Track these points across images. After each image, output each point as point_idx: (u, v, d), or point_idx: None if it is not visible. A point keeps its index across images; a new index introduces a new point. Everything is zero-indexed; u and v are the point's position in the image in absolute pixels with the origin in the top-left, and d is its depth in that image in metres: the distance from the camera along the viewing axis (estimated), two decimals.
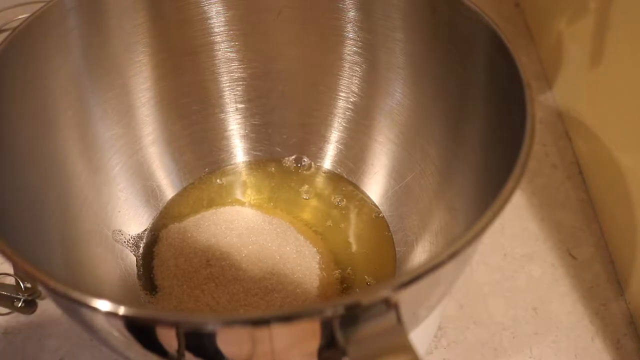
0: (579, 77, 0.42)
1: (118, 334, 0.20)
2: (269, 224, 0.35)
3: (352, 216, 0.36)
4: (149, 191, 0.35)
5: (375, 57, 0.34)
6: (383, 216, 0.35)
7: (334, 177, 0.37)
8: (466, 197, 0.29)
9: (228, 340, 0.19)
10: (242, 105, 0.37)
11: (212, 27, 0.34)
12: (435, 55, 0.31)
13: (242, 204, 0.37)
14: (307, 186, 0.37)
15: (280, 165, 0.38)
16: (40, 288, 0.33)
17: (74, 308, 0.20)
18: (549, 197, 0.40)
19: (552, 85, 0.47)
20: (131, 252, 0.33)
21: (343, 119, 0.37)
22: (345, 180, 0.37)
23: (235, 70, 0.36)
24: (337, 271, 0.33)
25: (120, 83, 0.33)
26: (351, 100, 0.36)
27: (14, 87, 0.27)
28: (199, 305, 0.31)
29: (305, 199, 0.37)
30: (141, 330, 0.20)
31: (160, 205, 0.36)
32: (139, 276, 0.33)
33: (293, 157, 0.38)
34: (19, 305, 0.33)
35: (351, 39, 0.34)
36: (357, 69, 0.35)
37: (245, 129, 0.38)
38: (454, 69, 0.30)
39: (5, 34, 0.26)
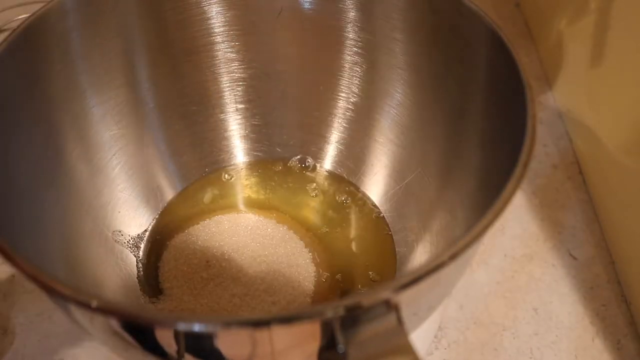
0: (579, 77, 0.42)
1: (118, 335, 0.20)
2: (269, 227, 0.35)
3: (353, 217, 0.36)
4: (149, 192, 0.35)
5: (375, 57, 0.34)
6: (383, 216, 0.35)
7: (334, 178, 0.37)
8: (467, 198, 0.29)
9: (228, 342, 0.19)
10: (242, 106, 0.37)
11: (212, 27, 0.34)
12: (435, 56, 0.31)
13: (242, 204, 0.37)
14: (308, 187, 0.37)
15: (282, 166, 0.38)
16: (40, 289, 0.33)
17: (74, 309, 0.20)
18: (550, 197, 0.40)
19: (552, 85, 0.47)
20: (131, 252, 0.33)
21: (343, 119, 0.37)
22: (346, 180, 0.37)
23: (236, 70, 0.36)
24: (338, 272, 0.33)
25: (120, 83, 0.33)
26: (351, 100, 0.36)
27: (13, 88, 0.27)
28: (199, 306, 0.31)
29: (307, 200, 0.37)
30: (141, 331, 0.20)
31: (161, 205, 0.36)
32: (138, 277, 0.33)
33: (297, 157, 0.38)
34: None
35: (351, 39, 0.34)
36: (357, 69, 0.35)
37: (246, 130, 0.38)
38: (454, 69, 0.30)
39: (5, 34, 0.26)
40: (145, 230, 0.35)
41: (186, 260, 0.33)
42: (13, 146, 0.26)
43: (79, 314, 0.20)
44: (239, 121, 0.38)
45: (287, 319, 0.17)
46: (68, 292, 0.18)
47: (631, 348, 0.33)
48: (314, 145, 0.38)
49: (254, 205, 0.36)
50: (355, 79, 0.35)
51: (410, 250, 0.33)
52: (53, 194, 0.29)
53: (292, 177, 0.38)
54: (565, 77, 0.44)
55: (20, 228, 0.25)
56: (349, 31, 0.34)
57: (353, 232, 0.35)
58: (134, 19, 0.32)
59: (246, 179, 0.38)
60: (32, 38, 0.27)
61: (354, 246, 0.34)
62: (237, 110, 0.37)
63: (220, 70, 0.36)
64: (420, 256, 0.32)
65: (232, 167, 0.38)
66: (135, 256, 0.33)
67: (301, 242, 0.34)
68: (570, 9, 0.42)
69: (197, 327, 0.17)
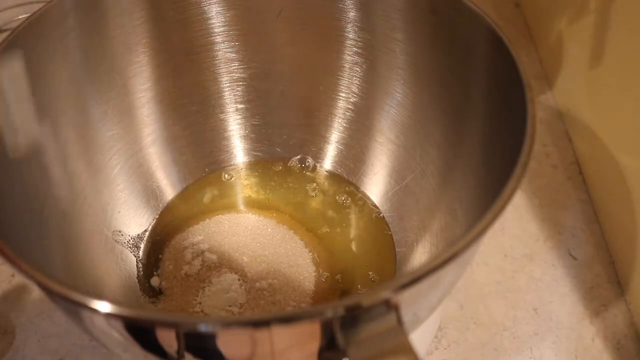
0: (579, 77, 0.42)
1: (118, 335, 0.20)
2: (269, 227, 0.35)
3: (353, 217, 0.36)
4: (149, 192, 0.35)
5: (375, 57, 0.34)
6: (383, 216, 0.35)
7: (334, 178, 0.37)
8: (466, 198, 0.29)
9: (228, 342, 0.19)
10: (242, 106, 0.37)
11: (212, 27, 0.34)
12: (435, 56, 0.31)
13: (242, 204, 0.37)
14: (308, 187, 0.37)
15: (282, 166, 0.38)
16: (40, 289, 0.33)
17: (74, 309, 0.20)
18: (550, 197, 0.40)
19: (552, 85, 0.47)
20: (131, 252, 0.33)
21: (343, 119, 0.37)
22: (346, 180, 0.37)
23: (235, 70, 0.36)
24: (338, 272, 0.33)
25: (120, 83, 0.33)
26: (351, 100, 0.36)
27: (13, 88, 0.27)
28: (199, 306, 0.31)
29: (307, 200, 0.37)
30: (141, 331, 0.20)
31: (161, 206, 0.36)
32: (138, 277, 0.33)
33: (297, 157, 0.38)
34: None
35: (351, 39, 0.34)
36: (357, 69, 0.35)
37: (246, 130, 0.38)
38: (454, 69, 0.30)
39: (5, 34, 0.26)
40: (145, 230, 0.35)
41: (186, 260, 0.33)
42: (13, 146, 0.26)
43: (78, 314, 0.20)
44: (239, 121, 0.38)
45: (287, 319, 0.17)
46: (68, 292, 0.18)
47: (631, 348, 0.33)
48: (314, 145, 0.38)
49: (254, 205, 0.36)
50: (355, 79, 0.35)
51: (410, 250, 0.33)
52: (53, 194, 0.29)
53: (292, 177, 0.38)
54: (565, 77, 0.44)
55: (21, 228, 0.25)
56: (349, 31, 0.34)
57: (353, 232, 0.35)
58: (134, 19, 0.32)
59: (246, 179, 0.38)
60: (32, 38, 0.27)
61: (354, 246, 0.34)
62: (237, 110, 0.37)
63: (220, 70, 0.36)
64: (420, 256, 0.32)
65: (232, 167, 0.38)
66: (135, 256, 0.33)
67: (301, 242, 0.34)
68: (570, 9, 0.42)
69: (197, 327, 0.17)
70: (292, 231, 0.34)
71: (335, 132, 0.37)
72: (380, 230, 0.35)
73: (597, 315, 0.34)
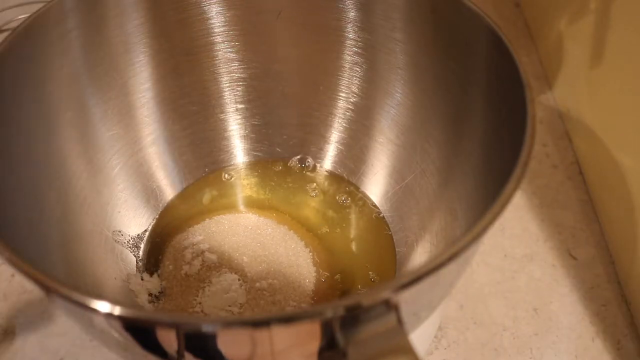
0: (579, 77, 0.42)
1: (118, 335, 0.20)
2: (269, 227, 0.35)
3: (353, 217, 0.36)
4: (149, 192, 0.35)
5: (375, 57, 0.34)
6: (383, 216, 0.35)
7: (334, 178, 0.37)
8: (466, 198, 0.29)
9: (228, 342, 0.19)
10: (242, 106, 0.37)
11: (212, 27, 0.34)
12: (435, 56, 0.31)
13: (242, 204, 0.37)
14: (308, 187, 0.37)
15: (282, 166, 0.38)
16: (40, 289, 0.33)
17: (74, 309, 0.20)
18: (550, 197, 0.40)
19: (552, 85, 0.47)
20: (131, 252, 0.33)
21: (343, 119, 0.37)
22: (346, 180, 0.37)
23: (235, 70, 0.36)
24: (338, 272, 0.33)
25: (120, 83, 0.33)
26: (351, 100, 0.36)
27: (14, 88, 0.27)
28: (199, 306, 0.31)
29: (307, 200, 0.37)
30: (141, 331, 0.20)
31: (161, 206, 0.36)
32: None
33: (297, 157, 0.38)
34: None
35: (351, 39, 0.34)
36: (357, 69, 0.35)
37: (246, 130, 0.38)
38: (454, 69, 0.30)
39: (5, 34, 0.26)
40: (145, 230, 0.35)
41: (186, 260, 0.33)
42: (13, 146, 0.26)
43: (78, 314, 0.20)
44: (239, 121, 0.38)
45: (287, 319, 0.17)
46: (68, 292, 0.18)
47: (631, 348, 0.33)
48: (314, 145, 0.38)
49: (253, 205, 0.36)
50: (355, 79, 0.35)
51: (410, 250, 0.33)
52: (53, 194, 0.29)
53: (292, 177, 0.38)
54: (565, 77, 0.44)
55: (21, 228, 0.25)
56: (349, 31, 0.34)
57: (353, 232, 0.35)
58: (134, 19, 0.32)
59: (246, 179, 0.38)
60: (32, 38, 0.27)
61: (354, 246, 0.34)
62: (237, 110, 0.37)
63: (220, 70, 0.36)
64: (420, 256, 0.32)
65: (232, 167, 0.38)
66: (135, 256, 0.33)
67: (301, 242, 0.34)
68: (570, 9, 0.42)
69: (197, 327, 0.17)
70: (292, 231, 0.34)
71: (335, 132, 0.37)
72: (380, 230, 0.35)
73: (597, 316, 0.34)
